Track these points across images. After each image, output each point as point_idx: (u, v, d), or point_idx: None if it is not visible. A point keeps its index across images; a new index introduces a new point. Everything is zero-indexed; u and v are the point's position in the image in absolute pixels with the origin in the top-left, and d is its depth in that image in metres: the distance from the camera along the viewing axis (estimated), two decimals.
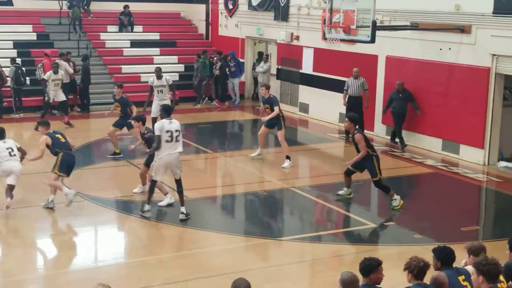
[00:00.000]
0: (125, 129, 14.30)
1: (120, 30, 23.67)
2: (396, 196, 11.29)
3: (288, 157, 13.91)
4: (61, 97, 17.83)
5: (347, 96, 16.62)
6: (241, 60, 22.30)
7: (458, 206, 12.04)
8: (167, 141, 10.13)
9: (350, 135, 11.70)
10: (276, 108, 13.75)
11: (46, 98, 17.87)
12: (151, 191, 10.57)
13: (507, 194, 12.65)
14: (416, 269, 5.73)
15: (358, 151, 11.24)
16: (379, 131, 17.11)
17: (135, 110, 14.16)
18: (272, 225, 11.12)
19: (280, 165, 13.88)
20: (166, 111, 10.51)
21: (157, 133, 10.18)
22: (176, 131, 10.25)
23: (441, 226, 10.92)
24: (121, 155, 14.32)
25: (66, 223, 10.59)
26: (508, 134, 14.68)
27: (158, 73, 15.35)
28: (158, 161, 10.32)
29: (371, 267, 5.76)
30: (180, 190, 10.49)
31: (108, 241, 10.18)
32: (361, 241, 10.25)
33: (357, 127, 11.39)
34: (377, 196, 13.35)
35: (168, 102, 15.01)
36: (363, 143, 11.11)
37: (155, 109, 15.21)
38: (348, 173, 11.60)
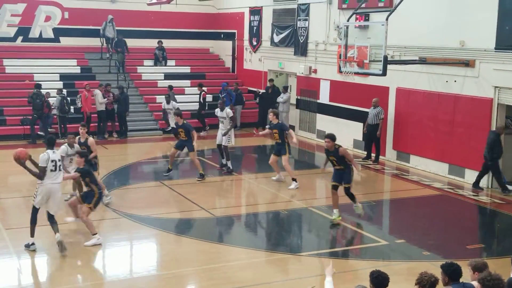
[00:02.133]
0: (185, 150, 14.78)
1: (155, 64, 23.98)
2: (358, 204, 11.56)
3: (294, 179, 13.89)
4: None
5: (367, 124, 16.75)
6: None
7: (464, 226, 11.88)
8: (51, 170, 9.53)
9: (331, 152, 11.31)
10: (291, 131, 14.06)
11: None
12: (32, 222, 9.69)
13: (509, 215, 12.45)
14: (428, 284, 5.61)
15: (339, 164, 11.22)
16: (390, 156, 17.01)
17: (195, 135, 14.36)
18: (291, 241, 11.05)
19: (300, 187, 13.83)
20: (49, 143, 9.84)
21: (42, 164, 9.51)
22: (59, 160, 9.75)
23: (448, 243, 10.77)
24: (171, 171, 14.67)
25: (104, 237, 10.63)
26: (510, 160, 14.48)
27: (221, 106, 15.40)
28: (40, 189, 9.60)
29: (387, 281, 5.65)
30: (52, 221, 9.74)
31: (142, 255, 10.19)
32: (374, 257, 10.13)
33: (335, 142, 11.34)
34: (388, 216, 13.26)
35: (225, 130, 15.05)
36: (350, 155, 11.44)
37: (219, 137, 15.24)
38: (335, 188, 11.43)
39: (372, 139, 16.76)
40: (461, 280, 5.98)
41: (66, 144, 12.10)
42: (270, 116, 14.23)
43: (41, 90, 19.14)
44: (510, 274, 6.29)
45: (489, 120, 14.03)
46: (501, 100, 13.89)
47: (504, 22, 13.51)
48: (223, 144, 15.08)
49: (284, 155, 13.94)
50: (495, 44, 13.72)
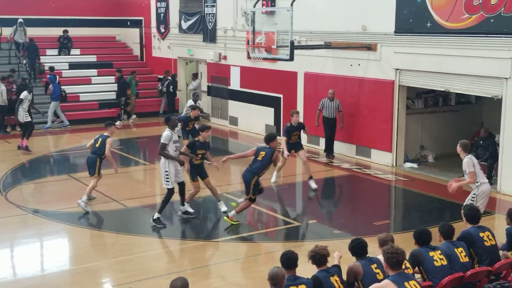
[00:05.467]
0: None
1: (59, 54, 23.09)
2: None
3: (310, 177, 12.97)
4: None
5: (322, 117, 15.37)
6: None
7: (371, 203, 12.36)
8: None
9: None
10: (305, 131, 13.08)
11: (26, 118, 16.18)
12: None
13: (413, 191, 13.05)
14: (312, 259, 6.04)
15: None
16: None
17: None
18: (206, 228, 11.05)
19: (215, 173, 13.83)
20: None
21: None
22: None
23: (356, 221, 11.18)
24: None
25: (10, 235, 10.20)
26: (412, 139, 15.21)
27: None
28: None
29: (292, 261, 5.82)
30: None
31: (51, 251, 9.87)
32: (288, 239, 10.35)
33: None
34: (300, 198, 13.54)
35: None
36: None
37: None
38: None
39: (333, 134, 15.59)
40: (369, 255, 6.24)
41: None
42: (297, 117, 12.87)
43: None
44: (413, 247, 6.63)
45: (392, 101, 14.60)
46: (401, 82, 14.48)
47: (402, 6, 14.05)
48: None
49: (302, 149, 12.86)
50: (395, 28, 14.26)
